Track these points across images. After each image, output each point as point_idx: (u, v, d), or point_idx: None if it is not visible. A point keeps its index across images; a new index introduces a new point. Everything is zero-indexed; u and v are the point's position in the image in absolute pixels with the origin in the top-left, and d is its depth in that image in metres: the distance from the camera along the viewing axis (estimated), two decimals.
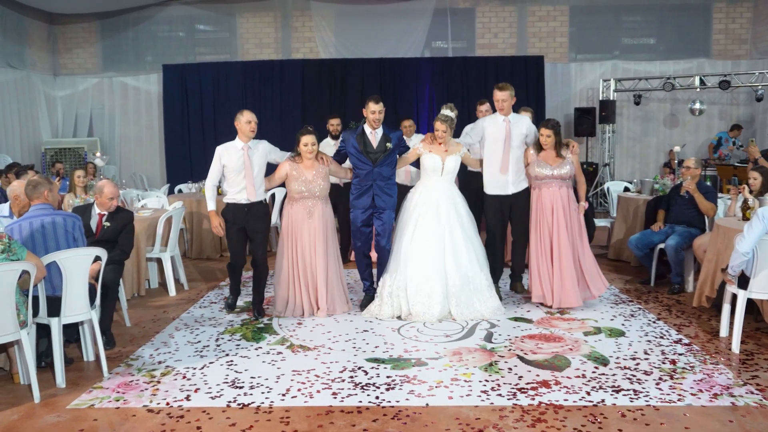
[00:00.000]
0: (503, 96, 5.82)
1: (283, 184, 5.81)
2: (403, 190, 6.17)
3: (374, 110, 5.64)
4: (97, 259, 4.45)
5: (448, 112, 5.74)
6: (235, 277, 5.88)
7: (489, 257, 5.86)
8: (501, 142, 5.87)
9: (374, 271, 6.04)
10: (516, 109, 6.10)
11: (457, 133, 6.35)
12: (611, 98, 12.56)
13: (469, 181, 6.72)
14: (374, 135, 5.69)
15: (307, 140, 5.56)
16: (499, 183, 5.93)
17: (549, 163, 5.78)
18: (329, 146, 7.48)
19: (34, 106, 12.78)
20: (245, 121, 5.50)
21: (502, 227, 6.09)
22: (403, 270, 5.58)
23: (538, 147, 5.85)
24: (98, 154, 9.35)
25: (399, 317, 5.58)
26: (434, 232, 5.57)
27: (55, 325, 4.20)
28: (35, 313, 4.19)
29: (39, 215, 4.35)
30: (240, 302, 6.21)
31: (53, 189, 4.55)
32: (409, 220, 5.68)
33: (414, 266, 5.53)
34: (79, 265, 4.27)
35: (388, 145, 5.67)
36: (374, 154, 5.65)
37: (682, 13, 12.99)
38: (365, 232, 5.83)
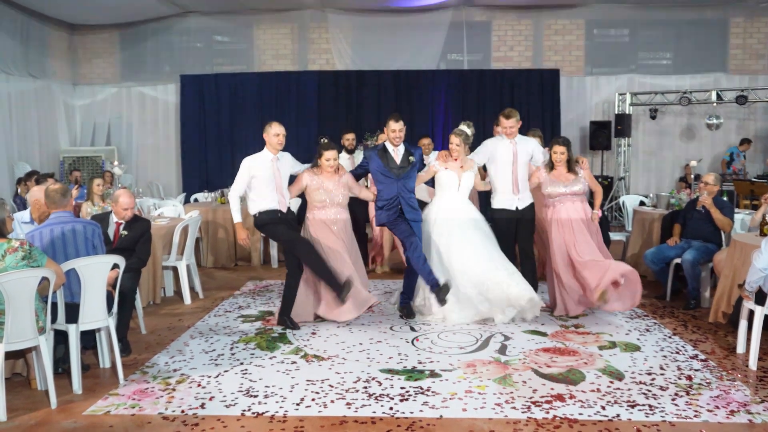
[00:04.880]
0: (510, 123, 5.95)
1: (300, 195, 5.88)
2: (423, 206, 6.20)
3: (395, 129, 5.72)
4: (115, 266, 4.50)
5: (464, 127, 5.93)
6: (296, 281, 5.60)
7: None
8: (509, 164, 5.99)
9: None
10: (524, 131, 6.24)
11: (476, 146, 6.39)
12: (627, 112, 12.52)
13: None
14: (396, 152, 5.77)
15: (330, 155, 5.63)
16: (506, 199, 6.03)
17: (562, 181, 5.84)
18: (344, 160, 7.54)
19: (54, 115, 12.92)
20: (274, 133, 5.52)
21: (512, 242, 6.11)
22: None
23: (549, 165, 5.91)
24: (116, 162, 9.42)
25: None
26: (459, 244, 5.70)
27: (73, 332, 4.24)
28: (53, 320, 4.23)
29: (59, 222, 4.40)
30: (254, 311, 6.25)
31: (71, 197, 4.63)
32: (432, 237, 5.82)
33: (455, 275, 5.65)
34: (97, 272, 4.32)
35: (411, 158, 5.76)
36: (398, 169, 5.72)
37: (699, 27, 12.94)
38: (404, 228, 5.69)
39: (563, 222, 5.85)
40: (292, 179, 5.81)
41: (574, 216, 5.84)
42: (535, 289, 5.92)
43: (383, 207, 5.74)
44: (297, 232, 5.64)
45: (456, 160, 5.86)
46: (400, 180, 5.70)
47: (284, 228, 5.55)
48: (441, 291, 5.49)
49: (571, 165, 5.89)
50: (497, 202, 6.09)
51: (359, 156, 7.96)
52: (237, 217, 5.58)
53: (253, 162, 5.52)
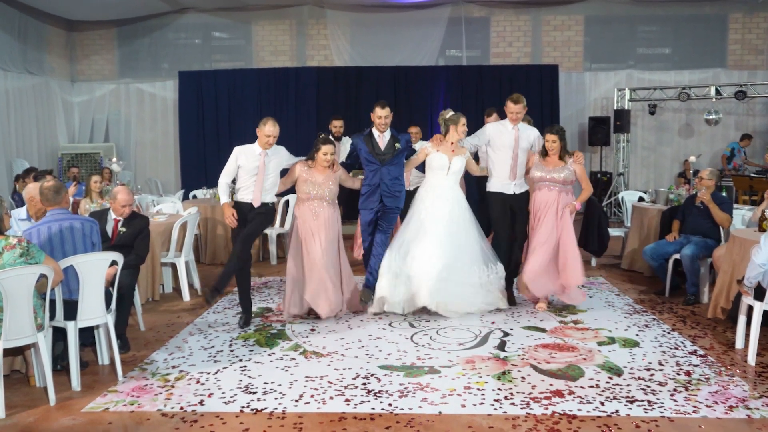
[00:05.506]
0: (518, 108, 5.94)
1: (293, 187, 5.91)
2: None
3: (380, 115, 5.79)
4: (113, 263, 4.49)
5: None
6: (244, 286, 5.71)
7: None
8: (509, 149, 6.00)
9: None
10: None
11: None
12: (626, 108, 12.52)
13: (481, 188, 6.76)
14: (382, 138, 5.82)
15: (327, 150, 5.64)
16: (503, 184, 6.06)
17: (546, 166, 5.88)
18: None
19: (52, 112, 12.92)
20: (265, 133, 5.52)
21: (508, 225, 6.12)
22: (404, 257, 5.70)
23: (544, 153, 5.95)
24: (114, 159, 9.41)
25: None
26: (436, 227, 5.72)
27: (72, 329, 4.24)
28: (52, 317, 4.23)
29: (57, 220, 4.39)
30: (253, 307, 6.21)
31: (67, 193, 4.63)
32: (414, 213, 5.87)
33: (414, 255, 5.67)
34: (95, 269, 4.31)
35: (397, 145, 5.81)
36: (382, 155, 5.78)
37: (697, 23, 12.94)
38: (371, 232, 5.92)
39: (539, 209, 5.93)
40: (286, 173, 5.82)
41: (551, 206, 5.89)
42: (515, 273, 6.01)
43: (366, 193, 5.83)
44: (246, 250, 5.63)
45: (452, 144, 5.87)
46: (384, 166, 5.76)
47: (240, 237, 5.59)
48: (365, 294, 5.81)
49: (562, 154, 5.92)
50: (493, 186, 6.10)
51: (346, 145, 7.94)
52: (224, 198, 5.64)
53: (242, 152, 5.59)
